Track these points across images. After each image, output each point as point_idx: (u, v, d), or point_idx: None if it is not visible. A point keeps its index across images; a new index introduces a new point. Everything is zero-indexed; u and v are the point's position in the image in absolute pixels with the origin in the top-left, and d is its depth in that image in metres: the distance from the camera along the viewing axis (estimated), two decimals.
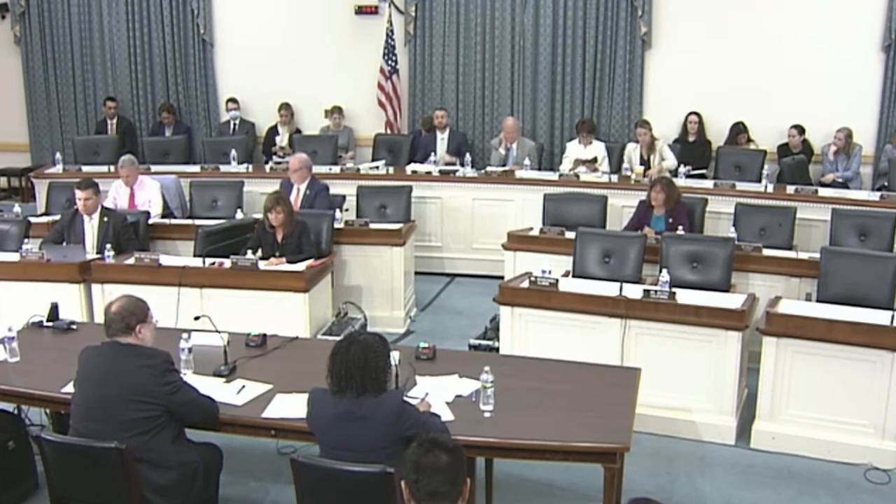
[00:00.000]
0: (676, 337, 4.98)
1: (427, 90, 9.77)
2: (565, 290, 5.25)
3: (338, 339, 5.52)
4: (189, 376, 3.97)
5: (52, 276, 5.80)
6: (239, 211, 7.21)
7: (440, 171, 8.18)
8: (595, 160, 8.18)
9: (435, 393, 3.87)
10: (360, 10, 9.74)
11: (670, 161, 8.03)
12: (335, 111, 9.59)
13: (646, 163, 8.09)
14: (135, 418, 3.47)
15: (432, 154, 8.59)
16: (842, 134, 8.29)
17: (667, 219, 6.50)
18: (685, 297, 5.09)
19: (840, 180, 8.23)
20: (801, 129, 8.58)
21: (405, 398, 3.45)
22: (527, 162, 8.24)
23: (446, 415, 3.70)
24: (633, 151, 8.21)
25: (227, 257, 5.81)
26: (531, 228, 6.86)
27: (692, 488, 4.58)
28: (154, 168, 8.36)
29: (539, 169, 8.59)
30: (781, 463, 4.80)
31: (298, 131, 9.81)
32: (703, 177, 8.27)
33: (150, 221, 6.92)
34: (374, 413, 3.24)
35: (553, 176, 8.04)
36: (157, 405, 3.52)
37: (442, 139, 8.92)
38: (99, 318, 5.45)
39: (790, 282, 5.87)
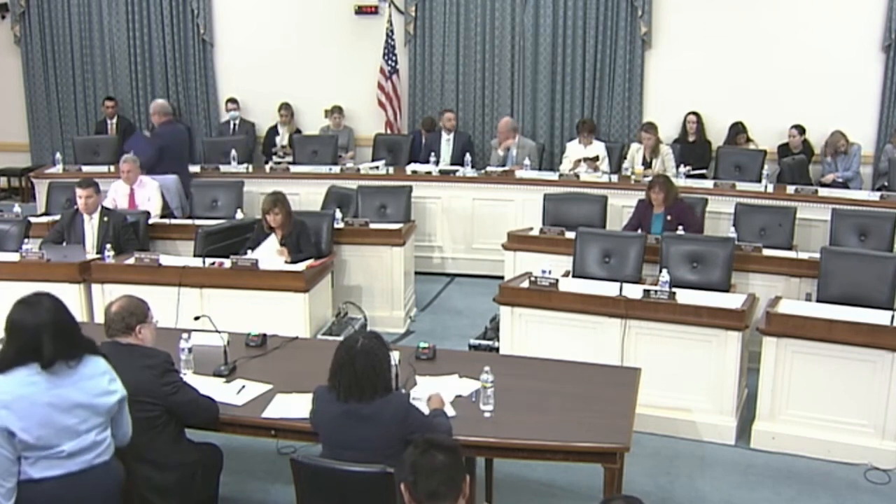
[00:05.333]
0: (676, 337, 4.99)
1: (427, 90, 9.77)
2: (565, 290, 5.25)
3: (338, 338, 5.54)
4: (189, 376, 3.97)
5: (52, 276, 5.78)
6: (239, 211, 7.22)
7: (440, 171, 8.18)
8: (597, 158, 8.18)
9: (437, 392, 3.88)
10: (360, 10, 9.74)
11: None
12: (335, 111, 9.60)
13: (647, 165, 8.11)
14: (135, 418, 3.46)
15: (432, 154, 8.59)
16: (835, 140, 8.30)
17: (665, 216, 6.50)
18: (685, 297, 5.09)
19: (840, 180, 8.23)
20: (801, 129, 8.59)
21: (411, 400, 3.44)
22: (527, 162, 8.24)
23: (449, 411, 3.71)
24: (636, 152, 8.21)
25: (227, 257, 5.81)
26: (531, 228, 6.86)
27: (692, 488, 4.58)
28: None
29: (539, 169, 8.58)
30: (781, 463, 4.80)
31: (298, 131, 9.81)
32: (703, 177, 8.27)
33: (150, 221, 6.92)
34: (380, 413, 3.24)
35: (553, 176, 8.04)
36: (157, 405, 3.52)
37: (447, 140, 8.91)
38: (99, 318, 5.45)
39: (790, 282, 5.87)
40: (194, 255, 6.22)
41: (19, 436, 2.85)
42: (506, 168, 8.30)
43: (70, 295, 5.70)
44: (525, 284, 5.35)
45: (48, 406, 2.91)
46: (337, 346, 3.39)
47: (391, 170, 8.33)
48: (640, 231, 6.36)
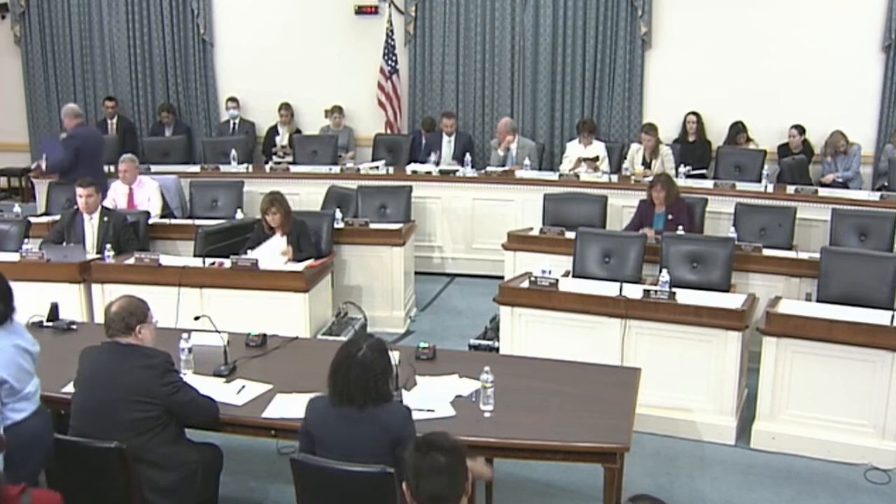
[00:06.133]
0: (676, 337, 4.99)
1: (427, 90, 9.77)
2: (565, 290, 5.25)
3: (338, 338, 5.54)
4: (189, 376, 3.97)
5: (52, 276, 5.79)
6: (239, 211, 7.22)
7: (440, 171, 8.18)
8: (597, 158, 8.19)
9: (436, 393, 3.88)
10: (360, 10, 9.74)
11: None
12: (335, 111, 9.60)
13: (647, 165, 8.10)
14: (135, 419, 3.48)
15: (432, 154, 8.58)
16: (834, 140, 8.29)
17: (666, 216, 6.51)
18: (685, 297, 5.09)
19: (840, 180, 8.23)
20: (801, 129, 8.59)
21: (411, 409, 3.39)
22: (527, 162, 8.24)
23: (449, 411, 3.73)
24: (636, 153, 8.21)
25: (227, 257, 5.81)
26: (531, 228, 6.86)
27: (692, 488, 4.58)
28: (154, 168, 8.36)
29: (539, 169, 8.58)
30: (781, 463, 4.80)
31: (298, 131, 9.81)
32: (703, 177, 8.28)
33: (150, 221, 6.92)
34: (373, 422, 3.22)
35: (553, 176, 8.04)
36: (157, 406, 3.52)
37: (448, 142, 8.91)
38: (99, 318, 5.45)
39: (790, 282, 5.87)
40: (194, 255, 6.22)
41: (10, 382, 3.32)
42: (506, 168, 8.30)
43: (70, 295, 5.71)
44: (525, 284, 5.34)
45: (14, 354, 3.39)
46: (340, 347, 3.37)
47: (391, 170, 8.33)
48: (641, 230, 6.37)
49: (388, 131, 9.62)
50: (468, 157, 8.29)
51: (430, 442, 2.55)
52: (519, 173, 8.09)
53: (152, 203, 7.27)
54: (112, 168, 8.30)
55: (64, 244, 6.25)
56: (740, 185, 7.50)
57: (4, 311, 3.42)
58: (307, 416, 3.35)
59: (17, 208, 7.11)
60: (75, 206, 6.42)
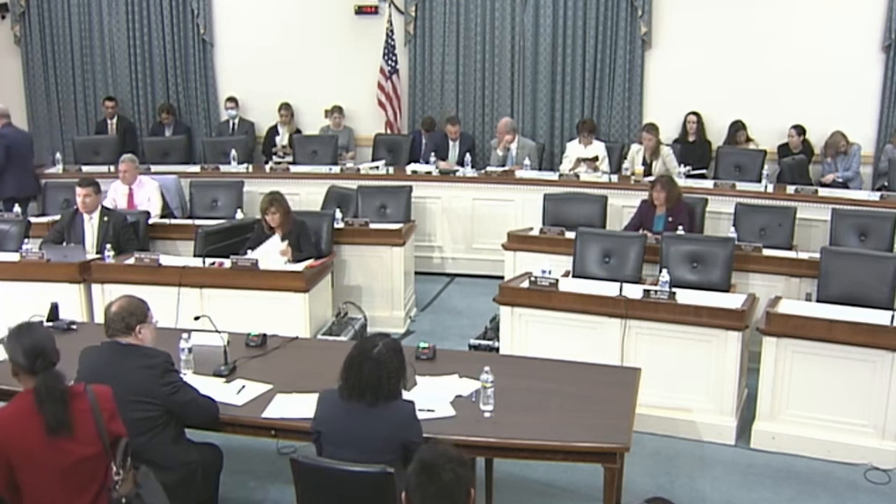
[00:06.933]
0: (676, 337, 4.99)
1: (427, 90, 9.76)
2: (565, 290, 5.25)
3: (338, 339, 5.54)
4: (189, 376, 3.98)
5: (52, 276, 5.80)
6: (239, 211, 7.22)
7: (440, 171, 8.18)
8: (596, 158, 8.18)
9: (436, 393, 3.88)
10: (360, 10, 9.73)
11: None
12: (335, 111, 9.59)
13: (647, 166, 8.09)
14: (135, 419, 3.47)
15: (433, 154, 8.58)
16: (834, 140, 8.29)
17: (667, 217, 6.51)
18: (685, 297, 5.09)
19: (840, 180, 8.23)
20: (801, 130, 8.58)
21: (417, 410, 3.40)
22: (527, 162, 8.24)
23: (449, 411, 3.73)
24: (636, 153, 8.21)
25: (227, 257, 5.81)
26: (531, 228, 6.86)
27: (692, 488, 4.58)
28: (154, 168, 8.36)
29: (539, 169, 8.58)
30: (781, 463, 4.80)
31: (298, 131, 9.81)
32: (703, 177, 8.27)
33: (150, 221, 6.92)
34: (382, 418, 3.24)
35: (553, 176, 8.04)
36: (157, 406, 3.52)
37: (454, 147, 8.92)
38: (99, 318, 5.45)
39: (790, 282, 5.87)
40: (194, 255, 6.22)
41: None
42: (506, 168, 8.30)
43: (70, 295, 5.71)
44: (525, 284, 5.35)
45: None
46: (355, 343, 3.41)
47: (391, 170, 8.33)
48: (641, 231, 6.37)
49: (388, 131, 9.61)
50: (468, 157, 8.29)
51: (434, 467, 2.47)
52: (519, 173, 8.09)
53: (152, 203, 7.27)
54: (112, 168, 8.34)
55: (64, 244, 6.25)
56: (740, 185, 7.50)
57: None
58: (316, 409, 3.38)
59: (17, 208, 7.11)
60: (75, 206, 6.42)
